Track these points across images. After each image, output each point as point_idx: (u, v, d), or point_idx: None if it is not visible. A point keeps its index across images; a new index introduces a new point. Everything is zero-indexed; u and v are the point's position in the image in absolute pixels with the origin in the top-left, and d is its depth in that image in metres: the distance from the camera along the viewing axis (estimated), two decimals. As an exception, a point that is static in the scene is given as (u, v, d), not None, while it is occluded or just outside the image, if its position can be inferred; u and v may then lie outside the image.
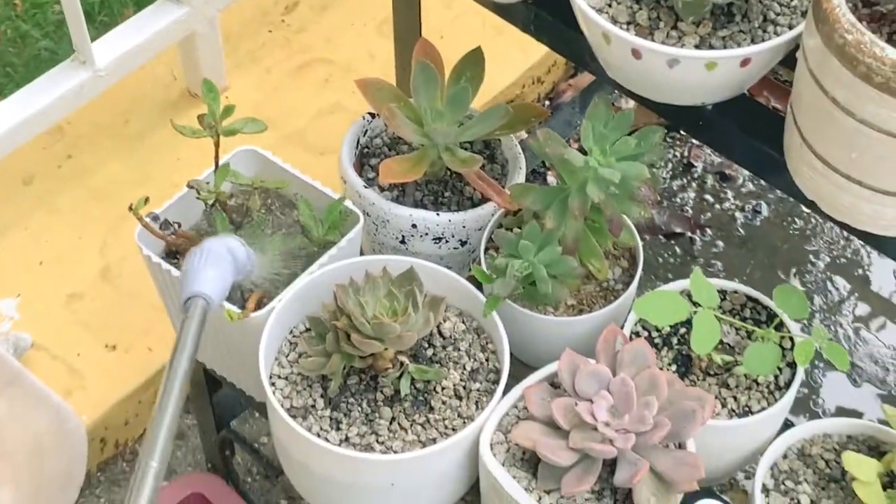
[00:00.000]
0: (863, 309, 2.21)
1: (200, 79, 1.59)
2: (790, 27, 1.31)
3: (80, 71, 2.05)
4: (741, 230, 2.30)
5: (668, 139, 2.42)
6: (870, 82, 1.12)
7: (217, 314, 1.42)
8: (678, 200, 2.34)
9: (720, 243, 2.28)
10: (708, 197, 2.35)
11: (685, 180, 2.37)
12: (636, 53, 1.29)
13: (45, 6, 2.46)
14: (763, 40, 1.30)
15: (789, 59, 1.32)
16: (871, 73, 1.12)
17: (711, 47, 1.30)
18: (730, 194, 2.35)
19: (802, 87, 1.23)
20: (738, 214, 2.33)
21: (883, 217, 1.23)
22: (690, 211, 2.32)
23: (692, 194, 2.35)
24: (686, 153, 2.40)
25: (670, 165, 2.39)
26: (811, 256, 2.27)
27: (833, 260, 2.26)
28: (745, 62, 1.28)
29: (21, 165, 2.19)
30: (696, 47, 1.30)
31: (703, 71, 1.28)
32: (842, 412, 2.07)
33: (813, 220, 2.30)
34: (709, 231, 2.30)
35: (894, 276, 2.24)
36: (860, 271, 2.25)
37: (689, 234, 2.29)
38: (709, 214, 2.32)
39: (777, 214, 2.32)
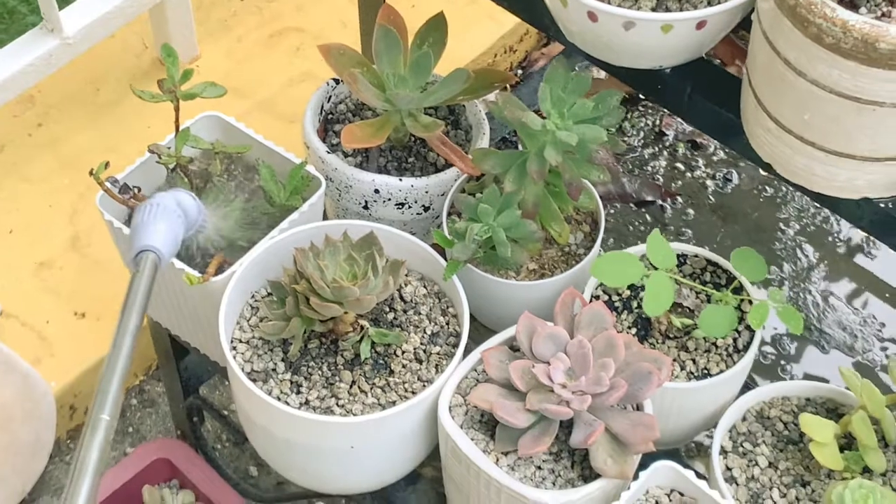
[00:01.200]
0: (832, 276, 2.21)
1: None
2: (746, -11, 1.31)
3: (48, 39, 2.04)
4: (712, 198, 2.31)
5: (640, 108, 2.42)
6: (820, 43, 1.12)
7: (178, 278, 1.43)
8: (649, 169, 2.34)
9: (691, 211, 2.29)
10: (679, 165, 2.35)
11: (656, 149, 2.37)
12: (592, 16, 1.29)
13: (33, -19, 2.46)
14: (720, 3, 1.30)
15: (750, 24, 1.32)
16: (822, 34, 1.12)
17: (667, 10, 1.30)
18: (701, 162, 2.36)
19: (757, 49, 1.23)
20: (708, 182, 2.33)
21: (836, 178, 1.24)
22: (661, 179, 2.33)
23: (663, 162, 2.35)
24: (658, 122, 2.40)
25: (642, 134, 2.39)
26: (781, 224, 2.27)
27: (803, 228, 2.27)
28: (700, 24, 1.28)
29: (-9, 134, 2.20)
30: (653, 10, 1.30)
31: (658, 33, 1.28)
32: (809, 379, 2.07)
33: (783, 189, 2.31)
34: (679, 199, 2.30)
35: (863, 243, 2.25)
36: (830, 239, 2.26)
37: (659, 202, 2.29)
38: (680, 182, 2.33)
39: (748, 182, 2.33)
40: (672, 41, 1.30)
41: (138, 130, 2.19)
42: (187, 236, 1.38)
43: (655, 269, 1.38)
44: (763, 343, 2.11)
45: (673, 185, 2.32)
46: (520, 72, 2.50)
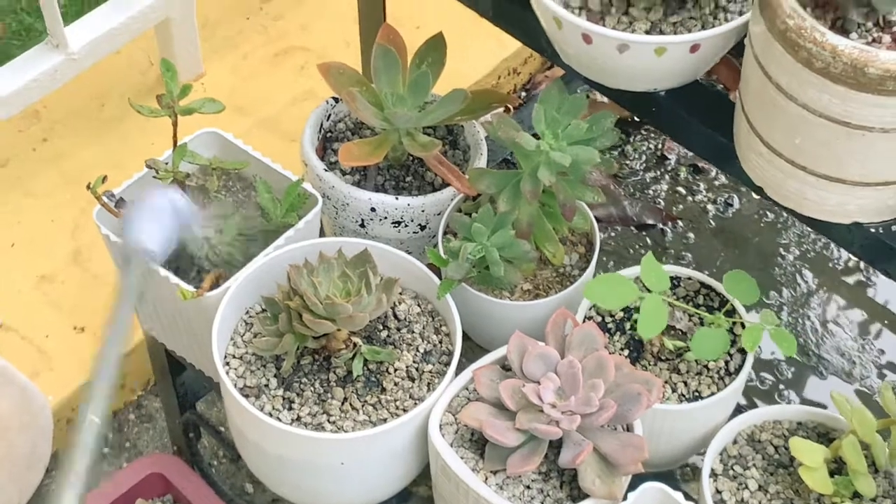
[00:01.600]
0: (831, 302, 2.21)
1: (177, 65, 1.60)
2: (741, 14, 1.32)
3: (53, 54, 2.06)
4: (712, 222, 2.31)
5: (642, 131, 2.43)
6: (811, 67, 1.13)
7: (172, 293, 1.43)
8: (651, 192, 2.34)
9: (691, 235, 2.29)
10: (680, 189, 2.36)
11: (658, 172, 2.38)
12: (587, 38, 1.30)
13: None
14: (713, 27, 1.31)
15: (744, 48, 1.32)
16: (812, 59, 1.13)
17: (662, 33, 1.31)
18: (702, 187, 2.36)
19: (749, 73, 1.24)
20: (709, 207, 2.34)
21: (827, 203, 1.24)
22: (663, 203, 2.33)
23: (665, 186, 2.36)
24: (660, 145, 2.41)
25: (644, 157, 2.40)
26: (781, 249, 2.28)
27: (803, 253, 2.27)
28: (694, 48, 1.29)
29: (-4, 148, 2.21)
30: (647, 33, 1.31)
31: (652, 56, 1.29)
32: (807, 405, 2.07)
33: (784, 214, 2.31)
34: (680, 223, 2.31)
35: (863, 270, 2.25)
36: (830, 265, 2.26)
37: (660, 225, 2.30)
38: (681, 206, 2.33)
39: (749, 207, 2.33)
40: (666, 64, 1.30)
41: (142, 146, 2.19)
42: (180, 234, 1.39)
43: (649, 291, 1.38)
44: (761, 368, 2.11)
45: (674, 208, 2.32)
46: (523, 94, 2.51)
